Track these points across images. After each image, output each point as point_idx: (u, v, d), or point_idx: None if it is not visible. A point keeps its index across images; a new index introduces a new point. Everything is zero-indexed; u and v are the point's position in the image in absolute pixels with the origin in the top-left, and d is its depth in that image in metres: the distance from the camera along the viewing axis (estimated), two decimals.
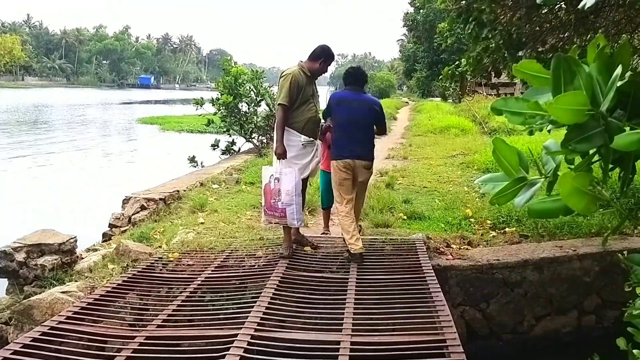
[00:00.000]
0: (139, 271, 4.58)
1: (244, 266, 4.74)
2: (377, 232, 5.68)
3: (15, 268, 4.86)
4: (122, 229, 6.50)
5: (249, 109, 12.44)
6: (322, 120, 5.03)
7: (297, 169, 4.63)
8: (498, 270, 4.95)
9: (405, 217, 6.28)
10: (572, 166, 1.05)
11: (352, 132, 4.78)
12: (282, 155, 4.59)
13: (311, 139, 4.74)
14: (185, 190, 7.64)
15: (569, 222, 5.71)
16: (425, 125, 18.53)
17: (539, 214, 1.07)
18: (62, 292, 4.21)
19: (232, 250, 5.11)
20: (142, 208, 6.81)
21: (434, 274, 4.39)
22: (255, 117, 12.35)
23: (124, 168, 15.65)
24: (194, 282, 4.32)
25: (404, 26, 42.45)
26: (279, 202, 4.61)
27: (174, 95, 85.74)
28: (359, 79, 4.96)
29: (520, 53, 5.96)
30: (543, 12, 5.64)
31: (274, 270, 4.50)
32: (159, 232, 5.78)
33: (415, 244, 5.16)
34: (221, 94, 11.96)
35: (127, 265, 4.81)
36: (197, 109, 12.28)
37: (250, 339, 3.29)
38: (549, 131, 1.05)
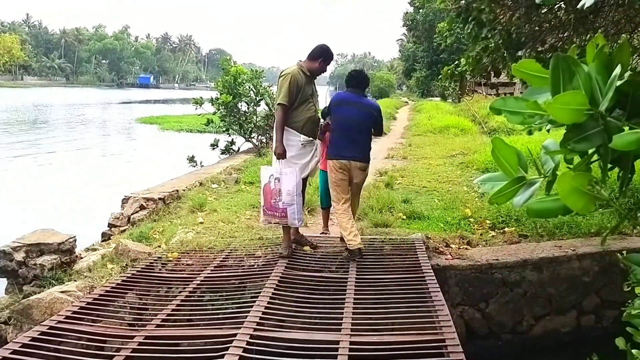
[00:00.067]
0: (138, 271, 4.58)
1: (243, 266, 4.73)
2: (377, 232, 5.68)
3: (15, 267, 4.85)
4: (122, 228, 6.50)
5: (248, 108, 12.43)
6: (321, 120, 5.04)
7: (297, 169, 4.63)
8: (497, 270, 4.95)
9: (404, 217, 6.29)
10: (571, 166, 1.05)
11: (350, 133, 4.82)
12: (281, 155, 4.59)
13: (310, 138, 4.75)
14: (184, 190, 7.64)
15: (569, 222, 5.72)
16: (424, 125, 18.53)
17: (537, 213, 1.07)
18: (61, 292, 4.21)
19: (231, 250, 5.11)
20: (142, 208, 6.81)
21: (433, 274, 4.39)
22: (254, 117, 12.34)
23: (123, 168, 15.64)
24: (193, 282, 4.32)
25: (403, 26, 42.48)
26: (279, 202, 4.60)
27: (173, 94, 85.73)
28: (361, 82, 5.03)
29: (519, 53, 5.96)
30: (542, 11, 5.65)
31: (273, 270, 4.50)
32: (158, 231, 5.78)
33: (414, 243, 5.16)
34: (220, 94, 11.95)
35: (126, 264, 4.81)
36: (196, 109, 12.27)
37: (250, 338, 3.29)
38: (548, 131, 1.05)
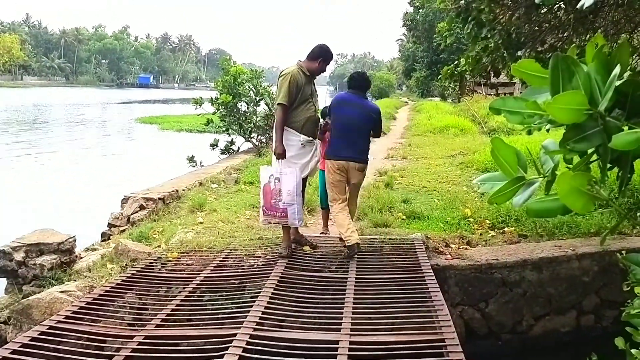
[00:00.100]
0: (137, 271, 4.58)
1: (243, 266, 4.74)
2: (376, 232, 5.68)
3: (14, 267, 4.85)
4: (121, 228, 6.50)
5: (248, 108, 12.42)
6: (321, 119, 5.05)
7: (297, 169, 4.64)
8: (497, 270, 4.95)
9: (404, 217, 6.29)
10: (571, 166, 1.05)
11: (349, 134, 4.87)
12: (281, 155, 4.59)
13: (310, 138, 4.75)
14: (184, 190, 7.64)
15: (568, 222, 5.72)
16: (424, 125, 18.52)
17: (537, 213, 1.07)
18: (61, 292, 4.21)
19: (231, 250, 5.11)
20: (141, 208, 6.81)
21: (432, 274, 4.40)
22: (254, 117, 12.34)
23: (123, 168, 15.63)
24: (193, 282, 4.32)
25: (403, 26, 42.51)
26: (280, 202, 4.61)
27: (173, 94, 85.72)
28: (362, 84, 5.09)
29: (519, 53, 5.96)
30: (542, 11, 5.64)
31: (273, 269, 4.50)
32: (157, 231, 5.78)
33: (414, 243, 5.16)
34: (220, 94, 11.94)
35: (126, 264, 4.81)
36: (196, 109, 12.27)
37: (249, 338, 3.29)
38: (547, 130, 1.05)
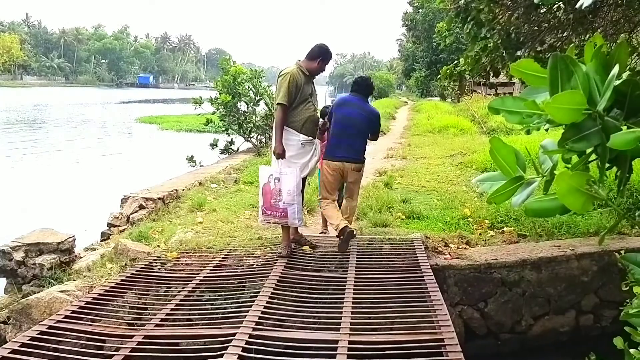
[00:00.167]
0: (137, 270, 4.58)
1: (243, 265, 4.74)
2: (376, 232, 5.69)
3: (14, 267, 4.85)
4: (121, 228, 6.49)
5: (247, 108, 12.43)
6: (320, 119, 5.06)
7: (297, 168, 4.64)
8: (496, 269, 4.96)
9: (403, 217, 6.29)
10: (569, 165, 1.05)
11: (347, 135, 4.98)
12: (281, 155, 4.59)
13: (310, 138, 4.76)
14: (183, 190, 7.63)
15: (567, 222, 5.72)
16: (424, 124, 18.52)
17: (536, 213, 1.07)
18: (61, 291, 4.20)
19: (230, 250, 5.11)
20: (141, 207, 6.80)
21: (432, 274, 4.40)
22: (254, 117, 12.34)
23: (123, 167, 15.63)
24: (193, 282, 4.32)
25: (403, 26, 42.54)
26: (279, 202, 4.61)
27: (172, 94, 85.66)
28: (365, 88, 5.22)
29: (518, 52, 5.96)
30: (541, 11, 5.65)
31: (272, 269, 4.50)
32: (157, 231, 5.78)
33: (413, 243, 5.16)
34: (220, 93, 11.94)
35: (126, 264, 4.81)
36: (195, 109, 12.26)
37: (249, 338, 3.29)
38: (546, 130, 1.05)
